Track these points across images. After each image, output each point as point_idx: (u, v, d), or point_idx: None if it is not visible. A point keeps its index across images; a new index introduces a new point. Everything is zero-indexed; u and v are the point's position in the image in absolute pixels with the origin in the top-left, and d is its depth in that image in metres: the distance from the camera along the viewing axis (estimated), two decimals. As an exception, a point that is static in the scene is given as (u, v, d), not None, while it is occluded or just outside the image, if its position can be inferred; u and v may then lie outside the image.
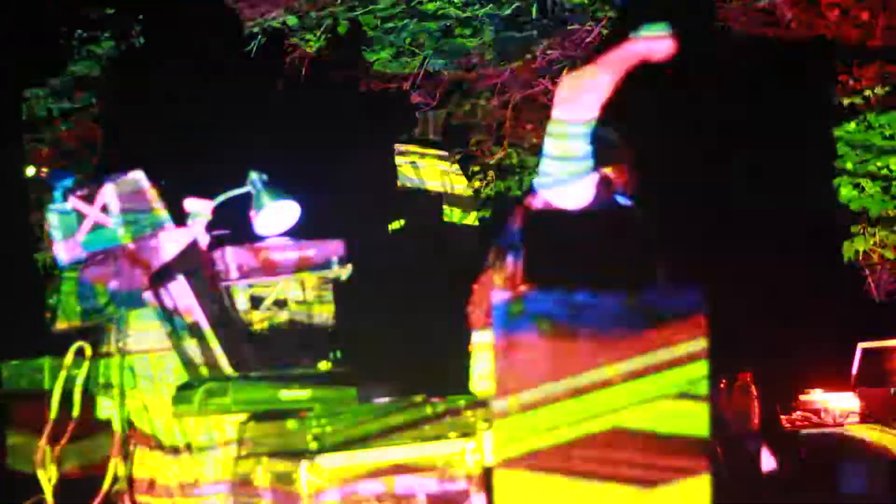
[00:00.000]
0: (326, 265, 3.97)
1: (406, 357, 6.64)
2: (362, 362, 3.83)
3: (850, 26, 6.98)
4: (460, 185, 8.83)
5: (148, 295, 3.72)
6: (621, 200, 4.01)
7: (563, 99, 3.72)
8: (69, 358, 4.00)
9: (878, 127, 7.18)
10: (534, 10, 7.39)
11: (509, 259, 4.00)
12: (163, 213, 3.94)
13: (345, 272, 3.99)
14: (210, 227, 3.92)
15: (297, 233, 4.09)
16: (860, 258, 7.37)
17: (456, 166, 8.39)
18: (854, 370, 5.99)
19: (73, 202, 3.96)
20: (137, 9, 8.29)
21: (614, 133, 4.04)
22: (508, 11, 7.48)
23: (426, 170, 9.23)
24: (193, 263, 3.74)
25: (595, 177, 3.81)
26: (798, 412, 5.88)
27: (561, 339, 3.17)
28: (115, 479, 3.88)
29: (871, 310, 7.32)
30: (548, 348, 3.16)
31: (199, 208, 3.92)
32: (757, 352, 6.08)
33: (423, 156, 9.21)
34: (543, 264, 4.01)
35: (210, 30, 7.89)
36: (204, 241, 3.88)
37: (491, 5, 7.45)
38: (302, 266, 3.94)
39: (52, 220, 4.01)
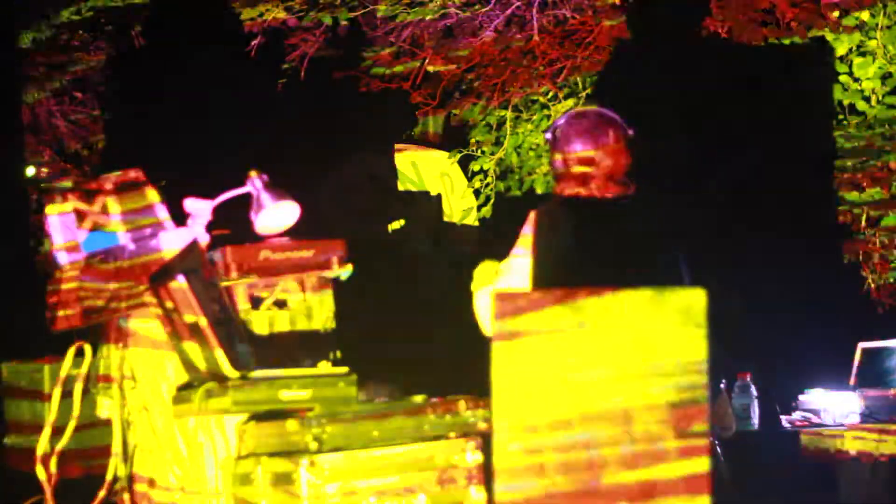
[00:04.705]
0: (326, 265, 3.96)
1: (406, 357, 6.65)
2: (362, 362, 3.83)
3: (850, 26, 6.98)
4: (460, 185, 8.85)
5: (148, 295, 3.72)
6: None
7: None
8: (69, 358, 4.00)
9: (879, 127, 7.18)
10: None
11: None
12: (163, 213, 3.94)
13: (345, 272, 3.99)
14: (210, 227, 3.93)
15: (297, 233, 4.09)
16: (860, 258, 7.37)
17: (456, 166, 8.41)
18: (854, 370, 5.98)
19: (73, 202, 3.96)
20: (137, 8, 8.30)
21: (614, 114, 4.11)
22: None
23: (426, 170, 9.24)
24: (193, 263, 3.74)
25: None
26: (798, 412, 5.87)
27: (561, 336, 3.17)
28: (115, 479, 3.88)
29: (871, 310, 7.32)
30: (548, 346, 3.16)
31: (199, 208, 3.92)
32: (757, 352, 6.08)
33: (423, 156, 9.22)
34: (553, 264, 4.03)
35: (210, 30, 7.89)
36: (204, 241, 3.88)
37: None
38: (302, 266, 3.94)
39: (52, 220, 4.01)
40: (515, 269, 4.11)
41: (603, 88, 7.25)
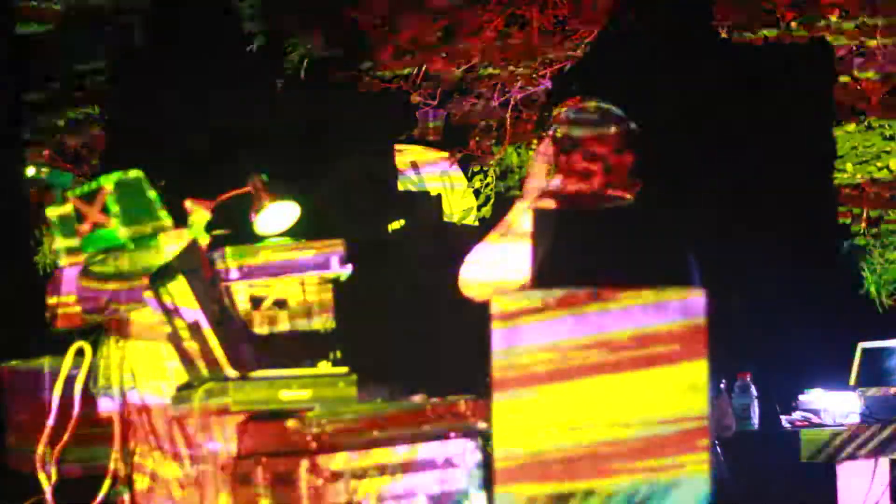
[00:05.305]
0: (326, 265, 3.97)
1: (406, 357, 6.64)
2: (362, 362, 3.83)
3: (850, 26, 6.98)
4: (460, 185, 8.84)
5: (148, 295, 3.72)
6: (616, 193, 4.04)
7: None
8: (69, 358, 4.00)
9: (878, 127, 7.19)
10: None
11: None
12: (163, 213, 3.94)
13: (345, 272, 3.99)
14: (210, 227, 3.93)
15: (297, 233, 4.10)
16: (861, 258, 7.38)
17: (456, 166, 8.40)
18: (854, 370, 5.98)
19: (73, 202, 3.97)
20: (138, 9, 8.29)
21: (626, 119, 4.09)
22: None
23: (426, 170, 9.23)
24: (193, 263, 3.74)
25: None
26: (798, 412, 5.87)
27: (562, 336, 3.17)
28: (115, 479, 3.88)
29: (871, 310, 7.33)
30: (549, 346, 3.16)
31: (199, 208, 3.92)
32: (757, 352, 6.08)
33: (422, 156, 9.21)
34: (553, 263, 4.02)
35: (210, 30, 7.89)
36: (204, 241, 3.89)
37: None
38: (302, 266, 3.94)
39: (52, 220, 4.02)
40: (488, 251, 4.10)
41: (602, 86, 7.24)
